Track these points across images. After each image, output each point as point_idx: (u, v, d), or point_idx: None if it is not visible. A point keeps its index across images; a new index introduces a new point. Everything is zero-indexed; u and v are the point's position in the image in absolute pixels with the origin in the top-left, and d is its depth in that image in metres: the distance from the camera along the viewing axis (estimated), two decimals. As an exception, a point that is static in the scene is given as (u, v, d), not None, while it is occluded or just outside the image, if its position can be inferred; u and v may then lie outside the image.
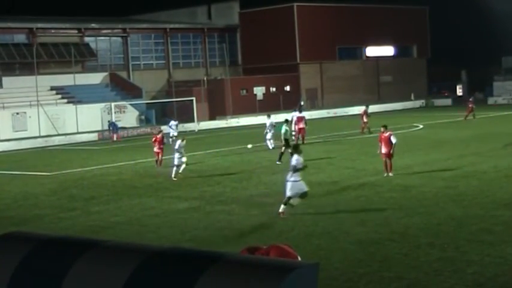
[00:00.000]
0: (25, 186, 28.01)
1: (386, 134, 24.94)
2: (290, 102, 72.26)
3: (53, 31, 67.43)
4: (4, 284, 5.58)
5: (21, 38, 65.64)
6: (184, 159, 27.77)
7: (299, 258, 8.91)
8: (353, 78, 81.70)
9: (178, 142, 28.34)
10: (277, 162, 29.96)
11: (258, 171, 28.36)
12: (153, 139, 31.90)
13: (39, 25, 66.66)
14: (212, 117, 66.85)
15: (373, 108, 73.16)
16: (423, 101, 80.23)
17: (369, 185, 23.11)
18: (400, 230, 16.16)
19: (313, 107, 75.62)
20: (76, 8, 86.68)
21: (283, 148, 31.31)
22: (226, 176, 27.55)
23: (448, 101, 79.92)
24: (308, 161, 31.33)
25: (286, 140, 32.63)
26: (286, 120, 34.89)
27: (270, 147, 37.02)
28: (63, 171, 32.63)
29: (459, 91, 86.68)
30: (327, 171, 27.40)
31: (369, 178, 24.76)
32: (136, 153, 39.99)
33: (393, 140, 24.72)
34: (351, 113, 65.78)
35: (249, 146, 38.07)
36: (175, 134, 46.54)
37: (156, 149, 31.50)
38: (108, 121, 55.94)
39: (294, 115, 40.25)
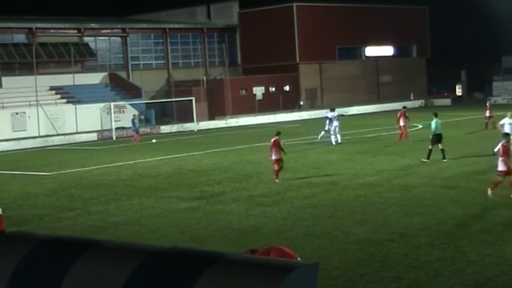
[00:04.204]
0: (24, 186, 28.00)
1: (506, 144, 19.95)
2: (290, 102, 72.41)
3: (52, 31, 67.42)
4: (4, 284, 5.57)
5: (20, 38, 65.63)
6: None
7: (299, 260, 8.92)
8: (353, 78, 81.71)
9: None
10: (425, 160, 27.87)
11: (258, 171, 28.34)
12: (272, 142, 25.06)
13: (39, 25, 66.65)
14: (211, 117, 66.85)
15: (372, 108, 73.70)
16: (423, 101, 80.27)
17: (369, 185, 23.10)
18: (400, 230, 16.15)
19: (312, 107, 75.65)
20: (75, 8, 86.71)
21: (431, 145, 28.42)
22: (226, 175, 27.53)
23: (447, 101, 79.94)
24: (307, 161, 31.36)
25: (439, 136, 28.66)
26: (436, 114, 30.24)
27: (339, 141, 37.04)
28: (63, 171, 32.61)
29: (458, 91, 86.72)
30: (326, 171, 27.39)
31: (368, 178, 24.75)
32: (135, 153, 39.97)
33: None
34: (350, 113, 65.74)
35: (154, 140, 45.65)
36: (337, 124, 39.46)
37: (274, 156, 24.77)
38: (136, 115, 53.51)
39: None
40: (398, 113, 37.69)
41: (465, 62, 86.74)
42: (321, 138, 39.30)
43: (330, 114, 38.55)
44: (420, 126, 48.27)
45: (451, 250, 14.14)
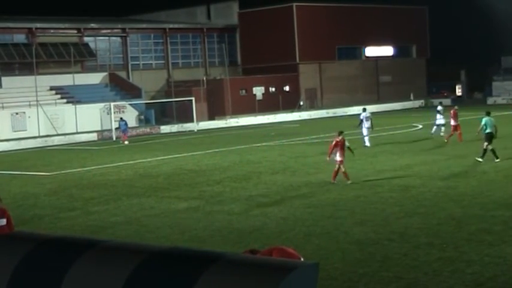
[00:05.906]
0: (25, 186, 28.00)
1: None
2: (289, 102, 72.41)
3: (52, 31, 67.41)
4: (4, 284, 5.58)
5: (20, 38, 65.63)
6: None
7: (302, 260, 8.87)
8: (352, 78, 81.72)
9: None
10: (479, 159, 26.95)
11: (258, 171, 28.35)
12: (333, 143, 24.27)
13: (39, 25, 66.65)
14: (211, 117, 66.86)
15: (372, 108, 73.59)
16: (422, 101, 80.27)
17: (369, 185, 23.10)
18: (399, 230, 16.15)
19: (312, 107, 75.66)
20: (75, 8, 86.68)
21: (486, 144, 27.37)
22: (226, 175, 27.53)
23: (447, 101, 79.91)
24: (307, 161, 31.35)
25: (490, 135, 27.70)
26: (488, 113, 28.83)
27: (368, 144, 35.35)
28: (63, 171, 32.62)
29: (458, 91, 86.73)
30: (326, 171, 27.36)
31: (368, 178, 24.76)
32: (135, 153, 39.97)
33: None
34: (350, 113, 65.78)
35: (126, 142, 47.66)
36: (443, 122, 39.41)
37: (339, 157, 23.93)
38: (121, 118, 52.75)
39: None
40: (451, 112, 36.68)
41: (465, 62, 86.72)
42: (434, 132, 39.43)
43: (362, 115, 37.37)
44: (420, 126, 48.29)
45: (451, 250, 14.14)
